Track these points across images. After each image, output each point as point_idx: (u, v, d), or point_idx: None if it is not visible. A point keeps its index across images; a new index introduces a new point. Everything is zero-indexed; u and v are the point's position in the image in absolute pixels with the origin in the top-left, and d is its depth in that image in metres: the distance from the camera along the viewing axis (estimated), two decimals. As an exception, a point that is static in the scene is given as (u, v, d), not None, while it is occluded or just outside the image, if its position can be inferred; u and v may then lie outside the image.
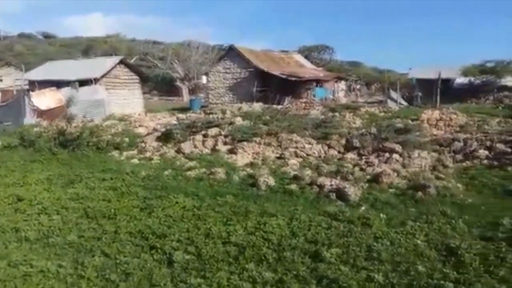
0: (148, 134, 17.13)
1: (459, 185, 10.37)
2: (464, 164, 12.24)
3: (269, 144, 14.22)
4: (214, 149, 14.27)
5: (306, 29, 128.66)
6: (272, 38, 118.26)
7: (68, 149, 14.88)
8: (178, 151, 14.26)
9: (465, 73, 38.19)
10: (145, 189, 10.33)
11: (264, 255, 6.57)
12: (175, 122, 18.46)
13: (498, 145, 12.85)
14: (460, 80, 38.94)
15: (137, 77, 32.05)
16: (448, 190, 9.71)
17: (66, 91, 25.31)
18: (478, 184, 10.45)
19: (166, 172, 12.02)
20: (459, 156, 12.87)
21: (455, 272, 5.75)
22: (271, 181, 10.66)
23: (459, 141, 14.00)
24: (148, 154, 14.36)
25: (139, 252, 6.97)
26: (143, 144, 15.48)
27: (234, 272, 6.10)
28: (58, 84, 26.67)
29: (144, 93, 35.66)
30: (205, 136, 15.18)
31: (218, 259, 6.57)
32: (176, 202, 9.19)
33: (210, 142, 14.65)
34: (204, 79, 37.58)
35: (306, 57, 47.98)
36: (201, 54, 47.20)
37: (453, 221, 7.79)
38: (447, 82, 35.99)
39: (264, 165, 12.70)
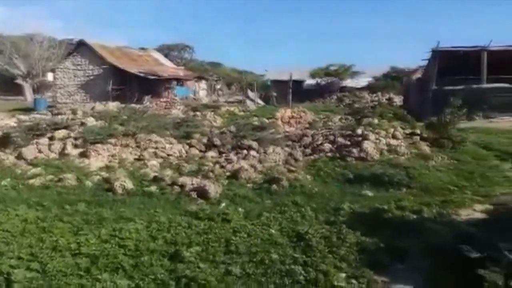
0: (-21, 139, 14.67)
1: (308, 176, 11.35)
2: (312, 157, 13.43)
3: (126, 146, 13.52)
4: (62, 153, 12.98)
5: (166, 27, 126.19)
6: (129, 34, 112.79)
7: None
8: (19, 157, 12.59)
9: (313, 75, 42.40)
10: (-26, 204, 8.81)
11: (120, 263, 6.17)
12: (14, 124, 16.24)
13: (339, 139, 14.41)
14: (309, 81, 42.96)
15: (-35, 74, 27.31)
16: (299, 181, 10.56)
17: None
18: (324, 174, 11.57)
19: (3, 182, 10.50)
20: (308, 150, 14.09)
21: (303, 256, 6.23)
22: (129, 184, 10.16)
23: (307, 136, 15.34)
24: (-21, 163, 12.31)
25: (-34, 278, 5.88)
26: (-27, 151, 13.22)
27: (85, 285, 5.59)
28: None
29: (-25, 92, 30.61)
30: (51, 139, 13.69)
31: (66, 273, 5.94)
32: (16, 215, 8.05)
33: (57, 146, 13.26)
34: (50, 76, 33.89)
35: (165, 55, 47.09)
36: (46, 48, 42.46)
37: (302, 209, 8.47)
38: (298, 83, 39.30)
39: (121, 167, 12.04)
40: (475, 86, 21.87)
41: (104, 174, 11.32)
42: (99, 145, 13.10)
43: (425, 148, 13.87)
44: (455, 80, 21.89)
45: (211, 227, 7.51)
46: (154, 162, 12.61)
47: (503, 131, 17.32)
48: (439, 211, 8.18)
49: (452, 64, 22.28)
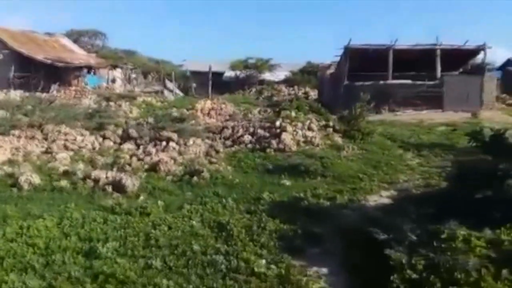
0: None
1: (229, 167, 11.43)
2: (233, 148, 13.55)
3: (32, 138, 12.49)
4: (-44, 146, 11.57)
5: (76, 11, 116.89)
6: (35, 18, 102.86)
7: None
8: None
9: (232, 67, 42.61)
10: None
11: (29, 262, 5.78)
12: None
13: (259, 130, 14.69)
14: (229, 73, 43.09)
15: None
16: (220, 173, 10.60)
17: None
18: (244, 165, 11.73)
19: None
20: (228, 142, 14.17)
21: (225, 245, 6.32)
22: (36, 179, 9.42)
23: (228, 128, 15.40)
24: None
25: None
26: None
27: (-12, 288, 5.12)
28: None
29: None
30: None
31: (-34, 277, 5.41)
32: None
33: (-50, 138, 11.81)
34: None
35: (75, 41, 43.87)
36: None
37: (224, 200, 8.56)
38: (218, 75, 39.17)
39: (27, 161, 11.10)
40: (382, 82, 23.57)
41: (7, 168, 10.34)
42: (0, 137, 11.90)
43: (338, 139, 14.69)
44: (364, 76, 23.38)
45: (128, 222, 7.29)
46: (64, 155, 11.78)
47: (406, 124, 18.93)
48: (350, 198, 8.79)
49: (362, 61, 23.74)
